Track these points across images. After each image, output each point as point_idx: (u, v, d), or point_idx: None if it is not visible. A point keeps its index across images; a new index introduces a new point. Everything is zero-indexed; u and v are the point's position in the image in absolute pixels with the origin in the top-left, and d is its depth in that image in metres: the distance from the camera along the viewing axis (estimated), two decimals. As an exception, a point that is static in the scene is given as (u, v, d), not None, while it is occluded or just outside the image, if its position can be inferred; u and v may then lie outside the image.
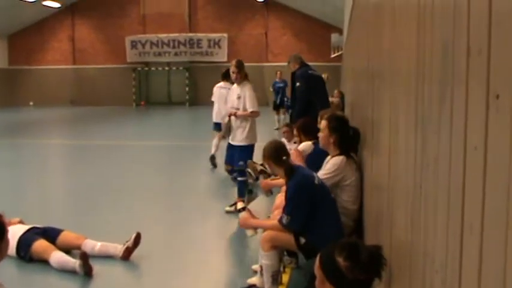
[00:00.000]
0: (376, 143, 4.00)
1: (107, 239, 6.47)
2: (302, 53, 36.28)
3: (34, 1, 34.13)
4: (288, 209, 4.84)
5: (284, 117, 20.04)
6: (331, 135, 5.41)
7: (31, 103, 37.71)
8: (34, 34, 39.48)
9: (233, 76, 8.40)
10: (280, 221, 4.85)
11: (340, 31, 29.17)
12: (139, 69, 38.15)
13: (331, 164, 5.31)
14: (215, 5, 37.47)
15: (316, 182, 4.90)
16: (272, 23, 37.03)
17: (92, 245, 6.26)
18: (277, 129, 19.12)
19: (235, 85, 8.48)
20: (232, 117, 8.33)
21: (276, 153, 5.09)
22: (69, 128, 24.45)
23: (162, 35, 37.38)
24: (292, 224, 4.82)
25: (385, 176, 3.09)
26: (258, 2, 36.11)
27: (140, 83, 38.43)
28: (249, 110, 8.19)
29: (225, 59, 36.83)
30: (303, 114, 8.48)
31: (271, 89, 21.74)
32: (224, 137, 8.88)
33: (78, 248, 6.19)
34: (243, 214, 5.27)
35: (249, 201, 8.24)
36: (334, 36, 30.30)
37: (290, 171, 5.00)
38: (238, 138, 8.33)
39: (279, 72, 21.72)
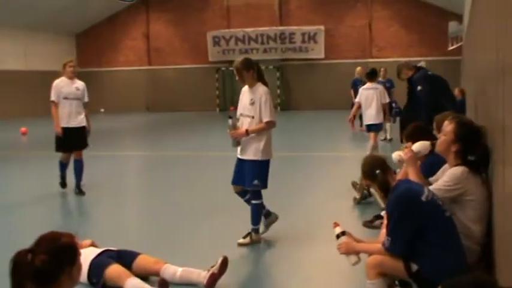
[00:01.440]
0: (509, 154, 3.86)
1: (189, 263, 6.52)
2: (413, 47, 35.99)
3: (105, -6, 35.33)
4: (389, 229, 4.80)
5: (391, 124, 19.04)
6: (454, 143, 5.30)
7: (102, 110, 38.87)
8: (104, 32, 40.83)
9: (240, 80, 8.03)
10: (383, 244, 4.81)
11: (459, 18, 28.56)
12: (223, 69, 38.65)
13: (449, 176, 5.19)
14: (310, -7, 37.54)
15: (423, 198, 4.79)
16: (377, 13, 36.74)
17: (173, 270, 6.33)
18: (386, 139, 18.78)
19: (246, 87, 8.01)
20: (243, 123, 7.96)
21: (370, 168, 5.12)
22: (145, 137, 25.02)
23: (249, 30, 37.76)
24: (393, 247, 4.75)
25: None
26: (360, -13, 35.88)
27: (224, 85, 38.93)
28: (264, 119, 7.78)
29: (322, 56, 36.83)
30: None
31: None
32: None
33: (157, 274, 6.29)
34: (343, 239, 5.22)
35: (269, 225, 8.15)
36: (452, 25, 29.73)
37: (384, 186, 4.99)
38: (251, 152, 7.90)
39: (382, 70, 20.72)
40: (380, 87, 13.74)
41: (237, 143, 7.92)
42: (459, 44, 27.06)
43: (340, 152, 17.77)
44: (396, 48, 36.30)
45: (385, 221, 5.16)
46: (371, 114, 13.12)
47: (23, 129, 25.02)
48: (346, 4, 37.03)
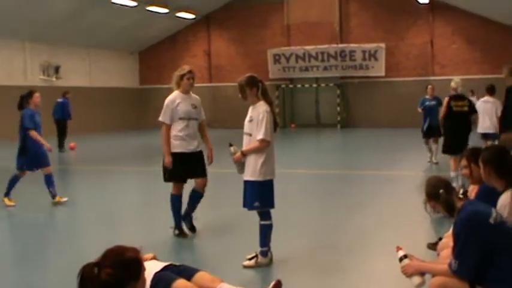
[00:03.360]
0: None
1: (245, 283, 6.55)
2: (475, 64, 35.50)
3: (166, 13, 35.87)
4: (455, 251, 4.75)
5: (437, 146, 17.29)
6: (485, 169, 5.37)
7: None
8: (166, 49, 41.40)
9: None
10: (450, 265, 4.76)
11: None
12: (283, 86, 38.78)
13: (499, 205, 5.16)
14: (370, 11, 37.40)
15: (491, 220, 4.72)
16: (439, 29, 36.36)
17: (228, 289, 6.34)
18: (432, 162, 18.00)
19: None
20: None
21: (433, 188, 5.09)
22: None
23: (309, 47, 37.80)
24: (461, 270, 4.69)
25: None
26: (421, 4, 35.59)
27: (284, 102, 39.01)
28: (257, 137, 7.59)
29: (383, 73, 36.60)
30: None
31: (420, 109, 18.78)
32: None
33: (214, 291, 6.31)
34: (406, 261, 5.19)
35: (256, 265, 7.75)
36: (516, 43, 29.25)
37: (449, 206, 4.96)
38: (249, 172, 7.74)
39: (430, 87, 19.16)
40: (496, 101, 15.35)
41: (241, 169, 7.81)
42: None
43: (404, 171, 17.60)
44: (459, 66, 35.84)
45: (449, 243, 5.12)
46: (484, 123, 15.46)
47: (72, 144, 25.19)
48: (406, 21, 36.76)
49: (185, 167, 9.29)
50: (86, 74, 37.44)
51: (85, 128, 32.99)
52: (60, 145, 24.75)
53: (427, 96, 18.62)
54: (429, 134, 18.11)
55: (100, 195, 14.39)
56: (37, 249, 9.18)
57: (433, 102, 18.28)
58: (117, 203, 13.13)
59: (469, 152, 6.54)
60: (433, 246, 8.09)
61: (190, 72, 9.44)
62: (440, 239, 8.13)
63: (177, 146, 9.25)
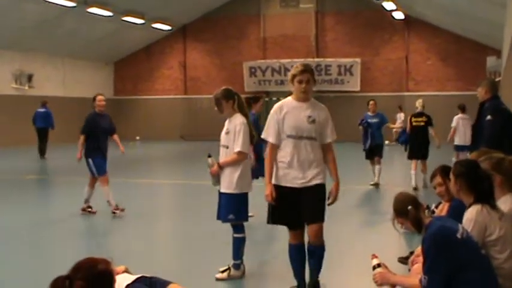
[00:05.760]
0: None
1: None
2: (450, 80, 35.93)
3: (143, 23, 35.81)
4: (425, 267, 4.80)
5: (380, 167, 16.69)
6: (456, 183, 5.40)
7: (137, 138, 39.28)
8: (141, 60, 41.35)
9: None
10: (420, 281, 4.81)
11: (497, 53, 28.43)
12: (258, 99, 38.75)
13: (465, 219, 5.20)
14: (346, 26, 37.66)
15: (459, 235, 4.78)
16: (414, 45, 36.71)
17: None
18: (374, 184, 16.69)
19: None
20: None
21: (401, 205, 5.14)
22: (177, 166, 25.15)
23: (285, 61, 37.90)
24: (431, 286, 4.74)
25: None
26: (397, 20, 35.90)
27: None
28: (235, 149, 7.59)
29: (358, 88, 36.79)
30: None
31: (360, 126, 17.11)
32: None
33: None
34: (379, 270, 5.24)
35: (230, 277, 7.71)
36: (490, 60, 29.61)
37: (417, 223, 5.02)
38: (225, 184, 7.70)
39: (371, 103, 17.38)
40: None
41: (216, 181, 7.79)
42: (498, 79, 26.89)
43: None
44: (432, 82, 36.18)
45: (419, 258, 5.15)
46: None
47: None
48: (382, 37, 37.06)
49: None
50: (60, 84, 37.17)
51: (58, 138, 32.69)
52: (42, 153, 25.82)
53: (369, 113, 17.16)
54: (371, 154, 16.92)
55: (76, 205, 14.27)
56: (9, 259, 9.07)
57: (375, 120, 17.01)
58: (90, 214, 13.01)
59: (442, 170, 6.58)
60: (404, 260, 8.13)
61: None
62: (411, 253, 8.16)
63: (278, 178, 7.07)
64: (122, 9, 33.36)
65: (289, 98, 6.98)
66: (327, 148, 6.89)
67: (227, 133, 7.72)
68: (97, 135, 12.55)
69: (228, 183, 7.64)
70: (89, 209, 12.57)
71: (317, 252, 6.77)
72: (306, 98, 6.86)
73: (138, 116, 40.61)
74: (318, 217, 6.73)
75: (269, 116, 6.92)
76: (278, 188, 6.75)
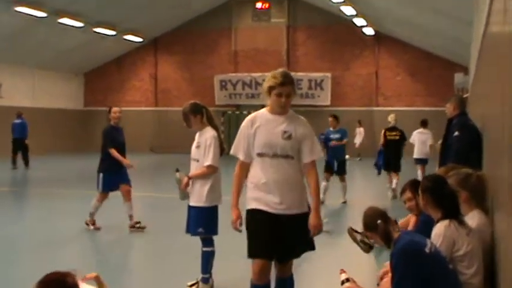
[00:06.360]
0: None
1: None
2: (419, 96, 36.25)
3: (114, 35, 35.67)
4: (394, 282, 4.82)
5: (345, 184, 16.44)
6: (423, 198, 5.47)
7: (107, 149, 38.97)
8: (112, 72, 41.16)
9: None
10: (389, 295, 4.81)
11: (465, 70, 28.74)
12: (229, 112, 38.82)
13: (433, 234, 5.24)
14: (317, 40, 37.86)
15: (427, 250, 4.82)
16: (384, 61, 37.00)
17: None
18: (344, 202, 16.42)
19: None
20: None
21: (370, 219, 5.18)
22: (147, 178, 25.01)
23: (256, 74, 37.98)
24: None
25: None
26: (367, 36, 36.19)
27: (230, 129, 39.00)
28: (205, 163, 7.59)
29: (328, 103, 36.95)
30: None
31: (320, 141, 14.49)
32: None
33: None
34: (347, 285, 5.25)
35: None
36: (457, 77, 29.89)
37: (386, 237, 5.05)
38: (194, 198, 7.70)
39: (330, 119, 17.04)
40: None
41: (185, 195, 7.79)
42: (465, 96, 27.17)
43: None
44: (402, 98, 36.48)
45: (388, 273, 5.16)
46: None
47: None
48: (353, 52, 37.31)
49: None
50: (29, 94, 36.79)
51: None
52: (26, 162, 26.54)
53: (331, 129, 16.87)
54: (331, 170, 16.48)
55: (43, 219, 14.13)
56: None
57: (337, 135, 16.69)
58: (59, 227, 12.89)
59: (411, 184, 6.62)
60: (355, 232, 8.11)
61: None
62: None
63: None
64: (94, 20, 33.20)
65: (263, 110, 6.18)
66: (307, 169, 5.97)
67: (197, 147, 7.72)
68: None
69: (198, 196, 7.63)
70: (94, 225, 12.11)
71: (288, 283, 6.15)
72: (284, 112, 6.01)
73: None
74: (298, 254, 6.03)
75: (239, 130, 6.14)
76: (251, 213, 5.92)
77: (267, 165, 5.83)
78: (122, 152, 12.24)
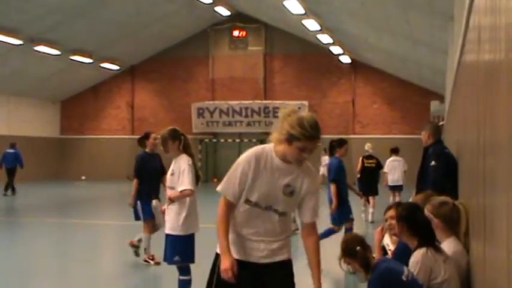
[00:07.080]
0: (490, 235, 3.88)
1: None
2: (396, 124, 36.39)
3: (90, 63, 35.61)
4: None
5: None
6: (398, 223, 5.48)
7: (83, 177, 38.81)
8: (89, 99, 41.05)
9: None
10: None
11: (441, 98, 28.99)
12: (206, 140, 38.82)
13: (411, 262, 5.24)
14: (294, 68, 38.03)
15: (404, 277, 4.83)
16: (360, 89, 37.23)
17: None
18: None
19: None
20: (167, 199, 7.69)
21: (350, 245, 5.19)
22: (123, 207, 24.84)
23: (233, 102, 38.08)
24: None
25: (503, 273, 2.99)
26: (344, 64, 36.45)
27: (207, 157, 38.97)
28: (178, 189, 7.50)
29: (305, 130, 36.95)
30: None
31: None
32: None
33: None
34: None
35: None
36: (433, 105, 30.11)
37: (365, 263, 5.04)
38: (169, 226, 7.60)
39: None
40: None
41: (161, 222, 7.85)
42: (441, 123, 27.38)
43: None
44: (378, 126, 36.69)
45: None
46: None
47: None
48: (329, 80, 37.51)
49: None
50: (4, 122, 36.54)
51: (1, 177, 32.11)
52: (13, 189, 27.47)
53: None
54: None
55: (16, 247, 13.97)
56: None
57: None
58: (33, 255, 12.75)
59: (398, 204, 6.64)
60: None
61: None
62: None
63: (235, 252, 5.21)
64: (70, 48, 33.14)
65: (271, 149, 5.01)
66: (306, 230, 4.97)
67: (172, 174, 7.69)
68: (147, 177, 11.33)
69: (174, 224, 7.55)
70: (154, 260, 11.02)
71: None
72: (298, 165, 4.89)
73: (84, 156, 40.14)
74: None
75: (236, 164, 4.96)
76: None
77: (254, 215, 4.85)
78: (156, 179, 11.45)
